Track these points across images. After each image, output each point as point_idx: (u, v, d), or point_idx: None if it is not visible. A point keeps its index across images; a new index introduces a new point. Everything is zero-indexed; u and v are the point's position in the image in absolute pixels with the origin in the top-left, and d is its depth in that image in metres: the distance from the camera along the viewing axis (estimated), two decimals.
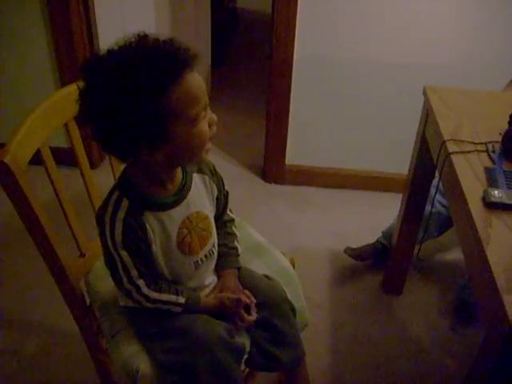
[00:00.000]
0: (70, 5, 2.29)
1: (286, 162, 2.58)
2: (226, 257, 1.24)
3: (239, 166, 2.77)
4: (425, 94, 1.63)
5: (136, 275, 1.07)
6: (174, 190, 1.09)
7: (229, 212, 1.29)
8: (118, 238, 1.03)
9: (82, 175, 1.31)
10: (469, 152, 1.33)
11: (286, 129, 2.48)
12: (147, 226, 1.05)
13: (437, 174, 1.45)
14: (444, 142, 1.37)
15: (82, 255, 1.32)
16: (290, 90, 2.38)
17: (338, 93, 2.38)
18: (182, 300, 1.12)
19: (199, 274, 1.17)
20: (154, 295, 1.09)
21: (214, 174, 1.20)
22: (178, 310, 1.12)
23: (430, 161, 1.58)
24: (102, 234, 1.05)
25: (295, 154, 2.56)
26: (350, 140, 2.50)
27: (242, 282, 1.23)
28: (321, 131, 2.49)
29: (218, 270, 1.23)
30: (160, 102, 0.90)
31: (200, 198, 1.15)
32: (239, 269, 1.25)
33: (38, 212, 1.09)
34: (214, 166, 1.21)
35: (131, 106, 0.89)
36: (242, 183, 2.64)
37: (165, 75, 0.90)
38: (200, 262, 1.16)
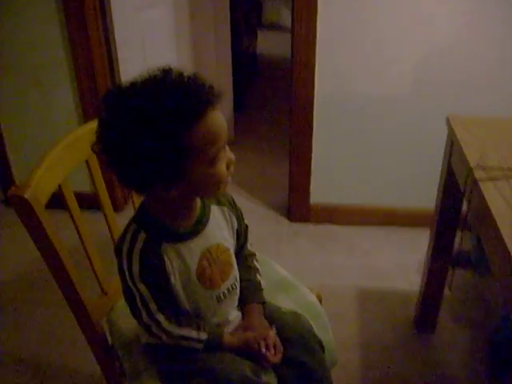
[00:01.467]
0: (93, 44, 2.34)
1: (311, 201, 2.55)
2: (249, 291, 1.21)
3: (264, 206, 2.76)
4: (448, 123, 1.60)
5: (155, 309, 1.04)
6: (193, 221, 1.07)
7: (249, 246, 1.27)
8: (136, 270, 1.01)
9: (105, 215, 1.30)
10: (497, 178, 1.29)
11: (310, 167, 2.47)
12: (165, 257, 1.03)
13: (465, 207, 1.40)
14: (471, 169, 1.33)
15: (104, 293, 1.30)
16: (311, 129, 2.38)
17: (359, 129, 2.37)
18: (203, 336, 1.08)
19: (222, 309, 1.14)
20: (175, 330, 1.06)
21: (233, 206, 1.18)
22: (200, 346, 1.08)
23: (456, 192, 1.54)
24: (119, 268, 1.03)
25: (319, 192, 2.53)
26: (374, 175, 2.47)
27: (268, 318, 1.19)
28: (344, 168, 2.47)
29: (242, 306, 1.20)
30: (180, 138, 0.89)
31: (220, 230, 1.13)
32: (264, 304, 1.21)
33: (59, 248, 1.08)
34: (232, 199, 1.19)
35: (150, 140, 0.87)
36: (267, 223, 2.62)
37: (188, 113, 0.88)
38: (222, 297, 1.13)
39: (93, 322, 1.19)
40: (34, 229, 1.05)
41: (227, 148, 0.99)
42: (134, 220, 1.05)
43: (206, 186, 0.98)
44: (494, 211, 1.16)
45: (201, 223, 1.08)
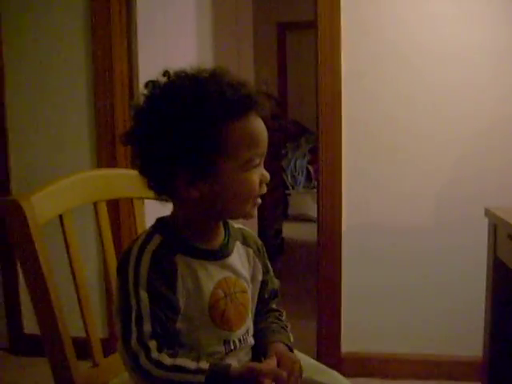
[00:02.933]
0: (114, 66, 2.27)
1: (342, 350, 2.28)
2: (277, 331, 1.01)
3: None
4: (487, 212, 1.49)
5: (149, 332, 0.83)
6: (216, 245, 0.95)
7: (275, 306, 1.09)
8: (143, 273, 0.86)
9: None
10: None
11: (340, 312, 2.27)
12: (178, 269, 0.88)
13: None
14: None
15: (95, 365, 1.08)
16: (340, 272, 2.25)
17: (392, 269, 2.23)
18: (204, 365, 0.84)
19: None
20: (167, 361, 0.83)
21: (261, 254, 1.05)
22: (201, 379, 0.82)
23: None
24: (122, 272, 0.88)
25: (351, 340, 2.28)
26: (412, 320, 2.23)
27: None
28: (376, 312, 2.25)
29: (262, 347, 0.97)
30: (218, 130, 0.85)
31: (242, 267, 0.98)
32: (291, 350, 0.99)
33: (47, 271, 0.93)
34: (262, 246, 1.07)
35: (189, 124, 0.84)
36: None
37: (231, 106, 0.86)
38: (232, 345, 0.93)
39: None
40: (24, 245, 0.92)
41: (262, 166, 0.93)
42: (151, 226, 0.94)
43: (232, 195, 0.89)
44: None
45: (224, 250, 0.96)
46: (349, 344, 2.28)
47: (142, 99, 0.89)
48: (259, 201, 0.93)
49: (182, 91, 0.85)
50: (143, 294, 0.84)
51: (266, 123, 0.91)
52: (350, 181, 2.19)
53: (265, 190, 0.93)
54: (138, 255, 0.87)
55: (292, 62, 6.52)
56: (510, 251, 1.27)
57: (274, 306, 1.08)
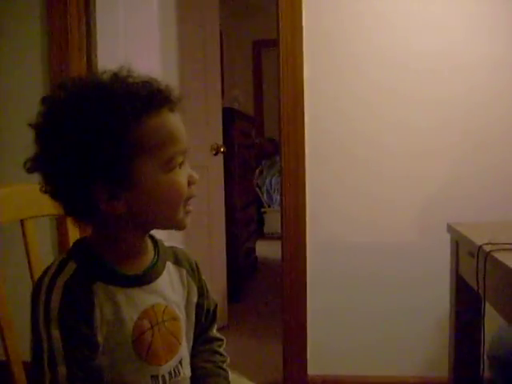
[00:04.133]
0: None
1: (308, 372, 2.20)
2: (214, 377, 0.92)
3: None
4: (450, 228, 1.43)
5: (64, 374, 0.73)
6: (141, 267, 0.85)
7: (215, 331, 1.01)
8: (55, 307, 0.75)
9: None
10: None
11: (305, 334, 2.18)
12: (95, 300, 0.78)
13: None
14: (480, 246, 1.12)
15: None
16: (305, 293, 2.17)
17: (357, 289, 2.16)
18: None
19: None
20: None
21: (196, 274, 0.96)
22: None
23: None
24: (34, 307, 0.78)
25: (318, 363, 2.20)
26: (378, 341, 2.16)
27: None
28: (343, 333, 2.17)
29: None
30: (130, 130, 0.76)
31: (172, 292, 0.89)
32: None
33: None
34: (197, 265, 0.97)
35: (95, 129, 0.74)
36: None
37: (141, 103, 0.77)
38: (161, 381, 0.84)
39: None
40: None
41: (188, 165, 0.85)
42: (67, 251, 0.84)
43: (159, 200, 0.80)
44: None
45: (151, 273, 0.86)
46: (315, 367, 2.20)
47: (39, 118, 0.79)
48: (191, 208, 0.84)
49: (84, 98, 0.77)
50: (55, 333, 0.75)
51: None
52: (312, 197, 2.13)
53: (194, 192, 0.84)
54: (49, 287, 0.77)
55: (268, 79, 6.49)
56: (472, 269, 1.21)
57: (213, 332, 1.00)
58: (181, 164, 0.82)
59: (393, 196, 2.11)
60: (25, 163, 0.80)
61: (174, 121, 0.82)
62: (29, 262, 1.04)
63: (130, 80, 0.80)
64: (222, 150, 2.90)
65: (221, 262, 3.18)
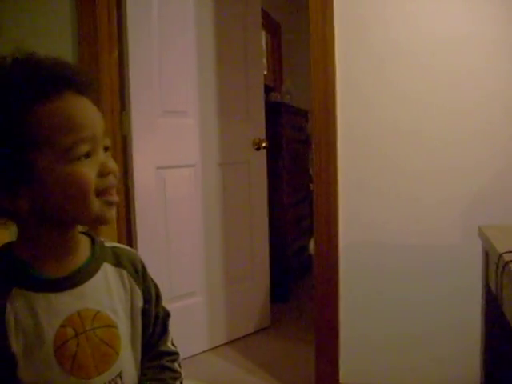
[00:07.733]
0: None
1: (341, 380, 2.08)
2: None
3: None
4: (481, 233, 1.27)
5: None
6: (67, 270, 0.77)
7: (171, 345, 0.92)
8: None
9: None
10: None
11: (337, 338, 2.07)
12: (8, 306, 0.71)
13: None
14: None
15: None
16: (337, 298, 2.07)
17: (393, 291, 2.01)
18: None
19: None
20: None
21: (141, 276, 0.87)
22: None
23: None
24: None
25: (351, 369, 2.07)
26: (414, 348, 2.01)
27: None
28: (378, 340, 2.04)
29: None
30: (23, 116, 0.69)
31: (108, 298, 0.81)
32: None
33: None
34: (143, 265, 0.89)
35: None
36: None
37: (38, 85, 0.70)
38: None
39: None
40: None
41: (103, 153, 0.76)
42: None
43: (63, 194, 0.72)
44: None
45: (80, 275, 0.78)
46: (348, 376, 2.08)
47: None
48: (113, 198, 0.76)
49: None
50: None
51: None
52: (348, 192, 2.00)
53: (111, 182, 0.75)
54: None
55: None
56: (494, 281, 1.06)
57: (166, 345, 0.91)
58: (89, 153, 0.73)
59: (431, 195, 1.95)
60: None
61: (77, 105, 0.74)
62: None
63: (33, 62, 0.73)
64: (263, 145, 2.80)
65: (263, 261, 3.08)
